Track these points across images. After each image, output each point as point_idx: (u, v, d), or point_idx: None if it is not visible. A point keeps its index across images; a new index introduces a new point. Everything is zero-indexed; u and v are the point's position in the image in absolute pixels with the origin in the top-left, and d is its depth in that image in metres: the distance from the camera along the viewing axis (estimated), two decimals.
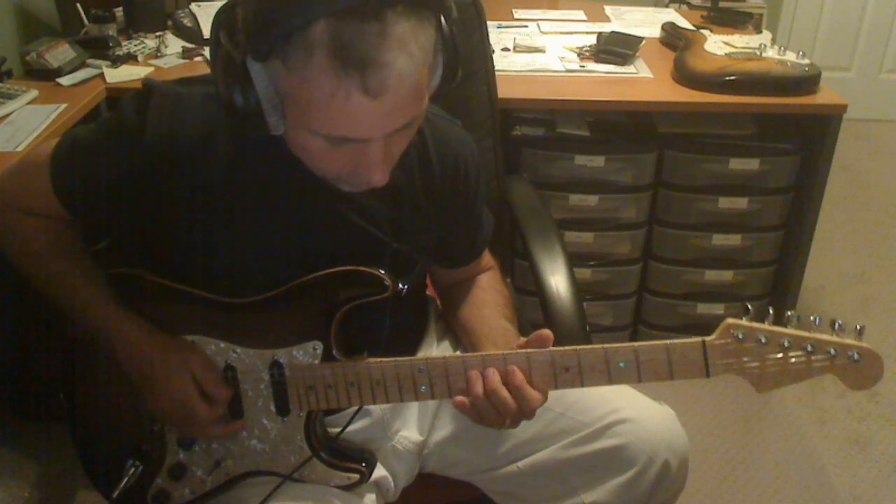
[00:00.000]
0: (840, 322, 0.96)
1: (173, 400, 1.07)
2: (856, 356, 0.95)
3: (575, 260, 2.21)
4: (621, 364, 1.00)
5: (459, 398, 1.04)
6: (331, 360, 1.08)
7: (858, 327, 0.95)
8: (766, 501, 1.99)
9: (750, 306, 0.98)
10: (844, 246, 3.03)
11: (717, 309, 2.35)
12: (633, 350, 1.00)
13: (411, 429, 1.24)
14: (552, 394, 1.21)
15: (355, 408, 1.13)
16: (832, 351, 0.95)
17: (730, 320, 0.97)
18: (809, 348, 0.96)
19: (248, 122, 0.92)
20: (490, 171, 1.73)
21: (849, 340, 0.95)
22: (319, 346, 1.07)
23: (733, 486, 2.02)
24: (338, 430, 1.16)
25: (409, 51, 0.86)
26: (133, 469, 1.13)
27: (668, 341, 0.99)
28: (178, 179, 1.04)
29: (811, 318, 0.96)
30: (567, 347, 1.02)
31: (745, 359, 0.97)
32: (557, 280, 1.40)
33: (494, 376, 1.02)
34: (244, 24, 0.87)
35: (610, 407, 1.18)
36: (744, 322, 0.97)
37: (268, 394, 1.10)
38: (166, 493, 1.15)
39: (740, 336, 0.97)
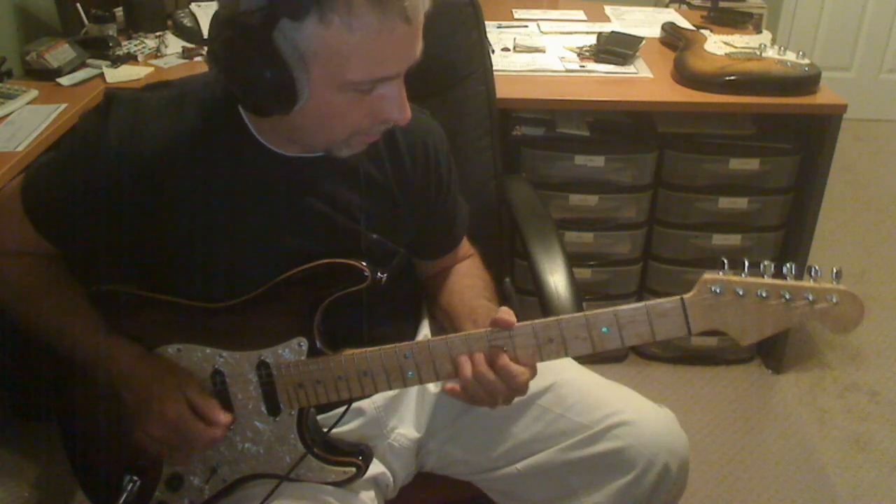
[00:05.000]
0: (816, 268, 0.95)
1: (166, 422, 1.06)
2: (834, 299, 0.94)
3: (575, 260, 2.21)
4: (604, 329, 1.01)
5: (450, 385, 1.05)
6: (317, 355, 1.08)
7: (835, 270, 0.95)
8: (766, 501, 1.98)
9: (725, 260, 0.98)
10: (844, 246, 3.03)
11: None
12: (613, 314, 1.00)
13: (408, 426, 1.24)
14: (551, 395, 1.21)
15: (346, 407, 1.13)
16: (810, 297, 0.94)
17: (706, 275, 0.97)
18: (787, 296, 0.95)
19: (275, 98, 0.93)
20: (489, 170, 1.73)
21: (826, 284, 0.95)
22: (304, 342, 1.08)
23: (733, 486, 2.02)
24: (333, 428, 1.16)
25: None
26: (131, 485, 1.12)
27: (647, 302, 1.00)
28: (147, 184, 1.04)
29: (787, 265, 0.96)
30: (548, 318, 1.03)
31: (725, 313, 0.97)
32: (557, 280, 1.40)
33: (481, 359, 1.03)
34: None
35: (610, 409, 1.18)
36: (720, 276, 0.97)
37: (257, 395, 1.10)
38: None
39: (718, 290, 0.96)
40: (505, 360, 1.02)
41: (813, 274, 0.95)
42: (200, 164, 1.05)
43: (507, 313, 1.03)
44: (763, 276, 0.96)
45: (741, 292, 0.96)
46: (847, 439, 2.17)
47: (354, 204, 1.12)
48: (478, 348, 1.04)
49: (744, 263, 0.97)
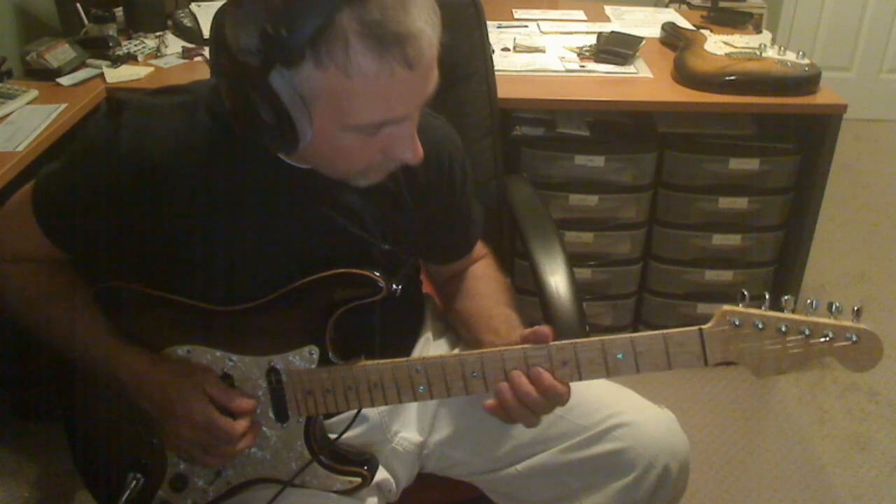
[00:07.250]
0: (837, 304, 0.94)
1: (194, 424, 1.04)
2: (854, 338, 0.93)
3: (575, 260, 2.21)
4: (619, 356, 0.99)
5: (489, 402, 1.04)
6: (327, 364, 1.07)
7: (856, 308, 0.94)
8: (766, 501, 1.98)
9: (746, 293, 0.97)
10: (844, 246, 3.03)
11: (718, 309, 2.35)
12: (629, 341, 0.99)
13: (411, 430, 1.24)
14: None
15: (354, 412, 1.12)
16: (830, 334, 0.93)
17: (726, 307, 0.96)
18: (807, 332, 0.94)
19: (276, 138, 0.92)
20: (489, 170, 1.73)
21: (846, 322, 0.94)
22: (315, 350, 1.07)
23: (733, 486, 2.02)
24: (337, 435, 1.15)
25: (429, 16, 0.89)
26: (134, 482, 1.11)
27: (664, 331, 0.98)
28: (159, 190, 1.02)
29: (808, 301, 0.95)
30: (564, 342, 1.02)
31: (743, 345, 0.96)
32: (557, 280, 1.40)
33: (522, 379, 1.02)
34: (263, 36, 0.86)
35: (610, 410, 1.17)
36: (740, 308, 0.96)
37: (266, 401, 1.10)
38: None
39: (737, 322, 0.95)
40: (549, 379, 1.01)
41: (833, 310, 0.94)
42: (210, 170, 1.03)
43: (543, 331, 1.02)
44: (783, 311, 0.95)
45: (761, 325, 0.95)
46: (847, 439, 2.17)
47: (367, 214, 1.11)
48: (493, 368, 1.03)
49: (764, 296, 0.96)
